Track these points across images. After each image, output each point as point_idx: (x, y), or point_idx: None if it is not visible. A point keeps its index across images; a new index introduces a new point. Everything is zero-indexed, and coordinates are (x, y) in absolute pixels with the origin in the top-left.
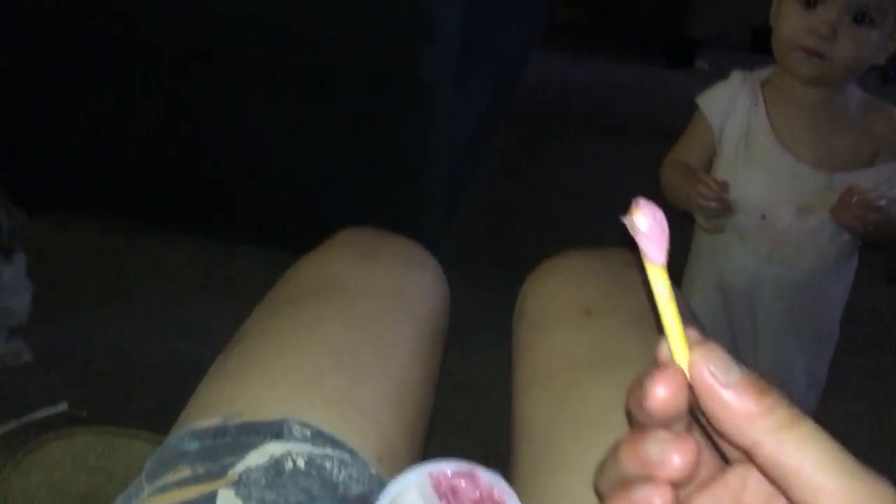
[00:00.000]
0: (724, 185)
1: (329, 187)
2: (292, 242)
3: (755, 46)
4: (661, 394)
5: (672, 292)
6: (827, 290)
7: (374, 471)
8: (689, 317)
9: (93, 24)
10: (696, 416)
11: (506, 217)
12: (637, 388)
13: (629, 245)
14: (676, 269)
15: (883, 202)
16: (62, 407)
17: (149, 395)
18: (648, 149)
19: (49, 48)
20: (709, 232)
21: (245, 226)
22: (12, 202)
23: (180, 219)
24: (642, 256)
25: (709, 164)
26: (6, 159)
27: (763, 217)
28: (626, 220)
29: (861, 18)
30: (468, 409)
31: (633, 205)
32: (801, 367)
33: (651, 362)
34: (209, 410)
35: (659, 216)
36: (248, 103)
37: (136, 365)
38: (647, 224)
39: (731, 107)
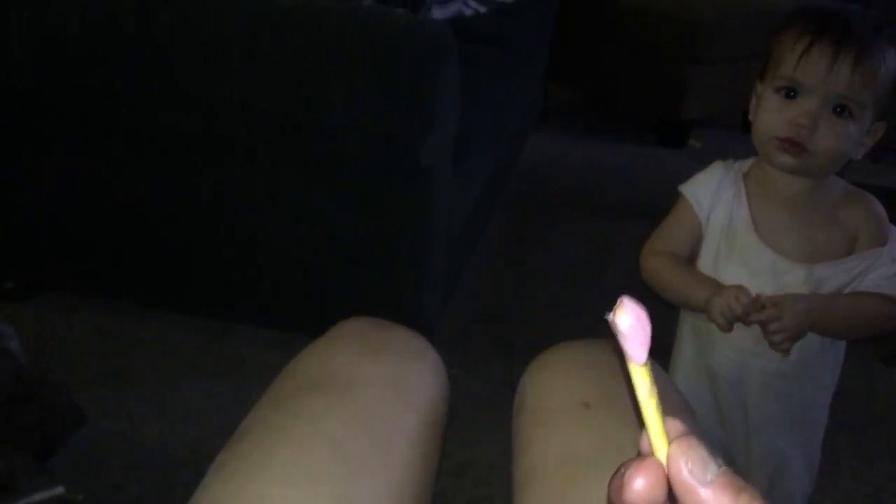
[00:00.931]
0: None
1: (329, 270)
2: (291, 323)
3: (746, 126)
4: (639, 485)
5: (653, 388)
6: (815, 378)
7: None
8: (678, 402)
9: (96, 108)
10: None
11: (503, 297)
12: (617, 479)
13: (613, 340)
14: (666, 347)
15: (799, 306)
16: (58, 490)
17: (146, 477)
18: (643, 227)
19: (52, 131)
20: (724, 331)
21: (244, 306)
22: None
23: (180, 299)
24: (624, 354)
25: (694, 253)
26: (7, 241)
27: None
28: (609, 318)
29: (840, 110)
30: (468, 492)
31: (618, 303)
32: (794, 454)
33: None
34: None
35: (642, 315)
36: (250, 188)
37: (134, 446)
38: (629, 324)
39: (715, 198)
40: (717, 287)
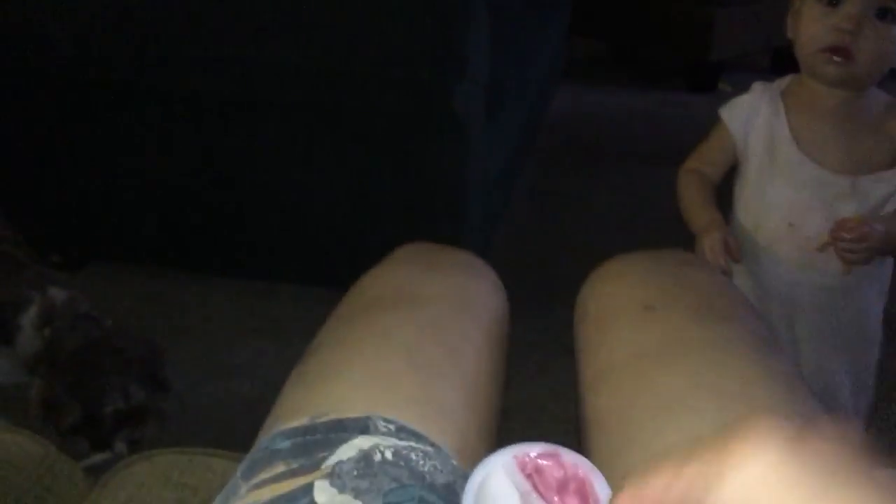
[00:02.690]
0: (735, 253)
1: (367, 224)
2: (333, 280)
3: (775, 67)
4: None
5: None
6: (863, 293)
7: (455, 463)
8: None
9: (133, 76)
10: None
11: (538, 248)
12: None
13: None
14: None
15: (878, 227)
16: (121, 451)
17: (204, 433)
18: (675, 173)
19: (91, 102)
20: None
21: (286, 266)
22: (62, 254)
23: (223, 262)
24: None
25: (726, 173)
26: (52, 213)
27: (790, 225)
28: None
29: (884, 14)
30: (515, 435)
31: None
32: (844, 372)
33: None
34: (296, 413)
35: None
36: (285, 146)
37: (189, 406)
38: None
39: (753, 116)
40: (710, 222)
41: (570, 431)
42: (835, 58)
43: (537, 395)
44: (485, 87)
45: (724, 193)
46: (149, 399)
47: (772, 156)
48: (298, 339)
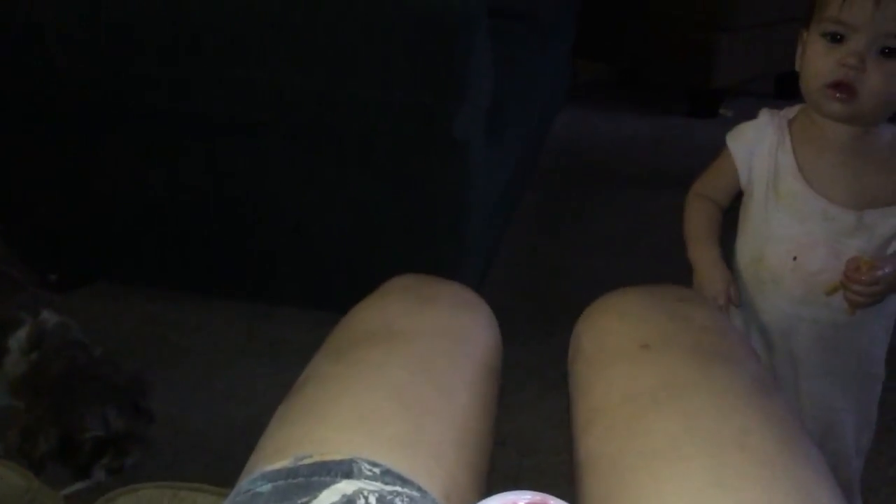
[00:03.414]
0: (734, 298)
1: (367, 247)
2: (333, 302)
3: (779, 93)
4: None
5: None
6: (867, 329)
7: None
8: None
9: (137, 96)
10: None
11: (539, 272)
12: None
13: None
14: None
15: (888, 269)
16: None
17: (198, 458)
18: (677, 197)
19: (94, 121)
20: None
21: (286, 288)
22: (59, 274)
23: (222, 283)
24: None
25: (733, 198)
26: (54, 232)
27: (794, 259)
28: None
29: (889, 51)
30: (514, 464)
31: None
32: (847, 408)
33: None
34: (279, 453)
35: None
36: (287, 168)
37: (184, 430)
38: None
39: (758, 144)
40: (712, 263)
41: (566, 462)
42: (838, 94)
43: (535, 424)
44: (486, 110)
45: (733, 218)
46: (131, 427)
47: (776, 187)
48: (296, 363)
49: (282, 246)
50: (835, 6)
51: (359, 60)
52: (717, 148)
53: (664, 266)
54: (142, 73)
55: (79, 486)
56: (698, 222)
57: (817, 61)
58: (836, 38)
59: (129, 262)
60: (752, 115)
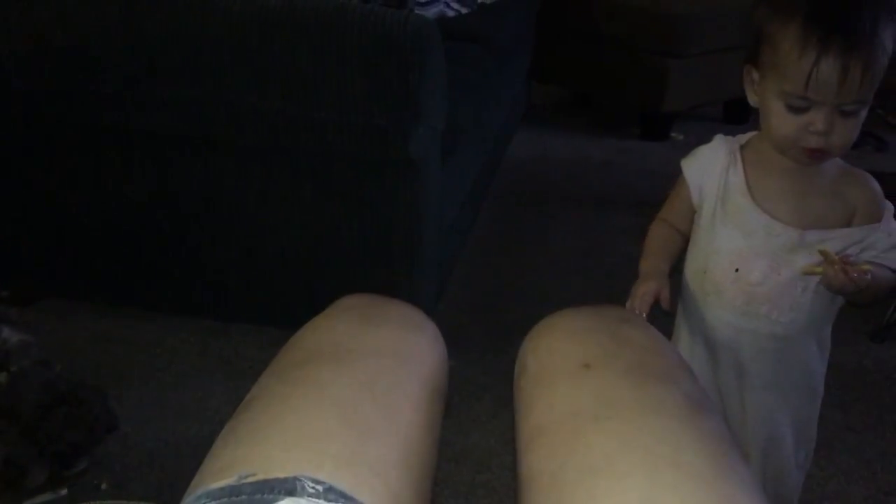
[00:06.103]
0: (665, 302)
1: (323, 265)
2: (288, 320)
3: (728, 117)
4: None
5: None
6: (803, 343)
7: None
8: (683, 368)
9: (87, 112)
10: None
11: (494, 290)
12: None
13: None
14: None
15: (875, 271)
16: (63, 493)
17: (148, 475)
18: (628, 218)
19: (43, 137)
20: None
21: (240, 305)
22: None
23: (175, 300)
24: None
25: (690, 223)
26: (4, 249)
27: (737, 270)
28: None
29: (846, 112)
30: (467, 479)
31: None
32: (787, 422)
33: None
34: (223, 471)
35: None
36: (242, 186)
37: (135, 447)
38: None
39: (709, 166)
40: (650, 271)
41: None
42: (814, 157)
43: (488, 440)
44: (442, 131)
45: None
46: (86, 440)
47: (724, 203)
48: (250, 380)
49: (236, 263)
50: (799, 84)
51: (315, 81)
52: (669, 170)
53: (615, 285)
54: (94, 89)
55: (42, 497)
56: (652, 241)
57: (783, 125)
58: (797, 110)
59: (80, 279)
60: (702, 139)
